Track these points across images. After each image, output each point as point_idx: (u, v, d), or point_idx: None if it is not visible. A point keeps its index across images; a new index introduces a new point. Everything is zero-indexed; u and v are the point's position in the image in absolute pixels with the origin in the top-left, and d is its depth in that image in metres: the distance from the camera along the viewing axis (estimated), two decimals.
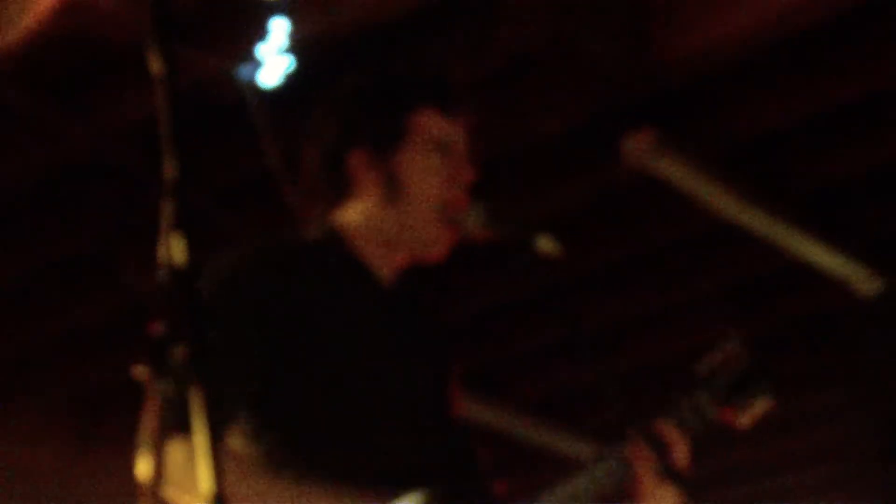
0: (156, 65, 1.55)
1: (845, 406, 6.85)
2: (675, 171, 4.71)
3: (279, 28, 3.77)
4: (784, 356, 6.38)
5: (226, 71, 3.87)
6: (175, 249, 1.46)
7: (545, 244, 2.25)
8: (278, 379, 2.20)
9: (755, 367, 2.38)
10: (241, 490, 2.08)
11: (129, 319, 5.57)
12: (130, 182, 4.65)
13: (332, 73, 2.77)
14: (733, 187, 4.91)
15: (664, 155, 4.60)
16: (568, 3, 4.11)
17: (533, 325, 6.06)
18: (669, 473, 2.22)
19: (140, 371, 1.44)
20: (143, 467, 2.08)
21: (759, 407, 2.37)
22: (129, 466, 2.11)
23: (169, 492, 2.07)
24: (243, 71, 3.84)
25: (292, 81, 3.85)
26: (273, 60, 3.81)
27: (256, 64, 3.82)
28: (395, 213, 2.34)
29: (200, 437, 1.41)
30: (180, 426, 1.42)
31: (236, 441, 2.20)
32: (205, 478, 1.39)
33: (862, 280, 5.57)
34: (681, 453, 2.27)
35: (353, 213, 2.37)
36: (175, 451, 2.01)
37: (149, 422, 2.05)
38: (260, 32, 3.79)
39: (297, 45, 3.81)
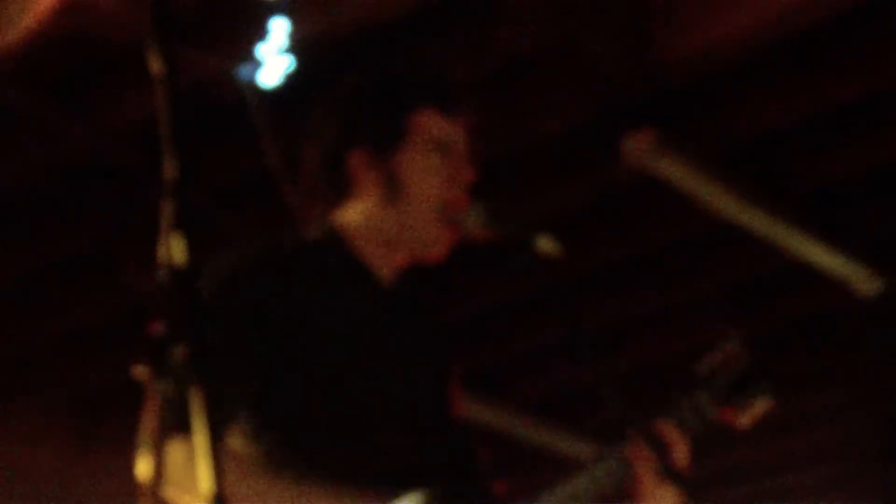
0: (156, 65, 1.55)
1: (845, 406, 6.85)
2: (676, 171, 4.70)
3: (279, 28, 3.77)
4: (784, 356, 6.38)
5: (226, 71, 3.87)
6: (175, 249, 1.45)
7: (545, 244, 2.25)
8: (278, 379, 2.20)
9: (755, 367, 2.38)
10: (241, 490, 2.08)
11: (129, 319, 5.57)
12: (130, 182, 4.65)
13: (331, 73, 2.77)
14: (733, 187, 4.91)
15: (664, 155, 4.60)
16: (568, 3, 4.11)
17: (533, 325, 6.06)
18: (669, 473, 2.22)
19: (140, 371, 1.44)
20: (143, 467, 2.09)
21: (760, 407, 2.37)
22: (128, 466, 2.11)
23: (169, 492, 2.07)
24: (243, 71, 3.84)
25: (292, 81, 3.85)
26: (273, 60, 3.81)
27: (256, 64, 3.82)
28: (395, 212, 2.33)
29: (200, 438, 1.41)
30: (180, 426, 1.42)
31: (236, 441, 2.20)
32: (205, 478, 1.39)
33: (862, 280, 5.56)
34: (681, 453, 2.27)
35: (353, 213, 2.37)
36: (175, 451, 2.01)
37: (149, 422, 2.05)
38: (260, 32, 3.79)
39: (298, 45, 3.81)
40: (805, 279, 5.69)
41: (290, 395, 2.20)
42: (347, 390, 2.22)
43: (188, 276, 1.44)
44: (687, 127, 4.71)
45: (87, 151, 4.54)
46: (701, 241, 5.55)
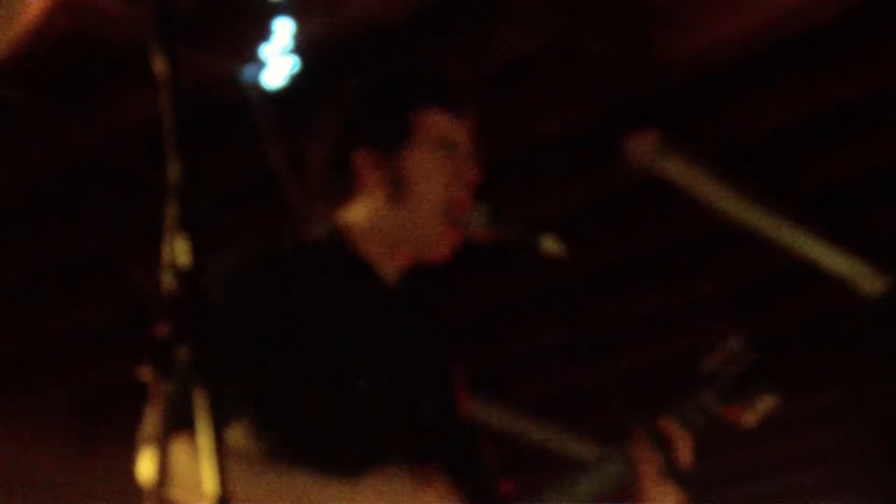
0: (158, 65, 1.55)
1: (845, 406, 6.85)
2: (677, 172, 4.71)
3: (283, 29, 3.76)
4: (784, 356, 6.38)
5: (227, 71, 3.87)
6: (179, 251, 1.45)
7: (549, 244, 2.25)
8: (280, 378, 2.20)
9: (756, 367, 2.38)
10: (243, 490, 2.08)
11: (129, 320, 5.57)
12: (130, 182, 4.65)
13: (332, 73, 2.77)
14: (734, 187, 4.91)
15: (667, 155, 4.60)
16: (568, 3, 4.11)
17: (533, 326, 6.06)
18: (672, 472, 2.22)
19: (144, 372, 1.44)
20: (145, 468, 2.09)
21: (765, 405, 2.37)
22: (129, 467, 2.11)
23: (173, 492, 2.07)
24: (246, 71, 3.84)
25: (296, 82, 3.85)
26: (277, 61, 3.80)
27: (260, 64, 3.82)
28: (400, 212, 2.33)
29: (204, 438, 1.41)
30: (184, 426, 1.42)
31: (238, 441, 2.20)
32: (208, 478, 1.39)
33: (863, 280, 5.57)
34: (684, 452, 2.27)
35: (357, 213, 2.37)
36: (178, 451, 2.01)
37: (152, 422, 2.05)
38: (263, 33, 3.78)
39: (301, 46, 3.81)
40: (805, 279, 5.69)
41: (291, 395, 2.20)
42: (349, 389, 2.22)
43: (192, 277, 1.44)
44: (687, 127, 4.71)
45: (87, 151, 4.54)
46: (702, 241, 5.55)
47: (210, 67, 3.89)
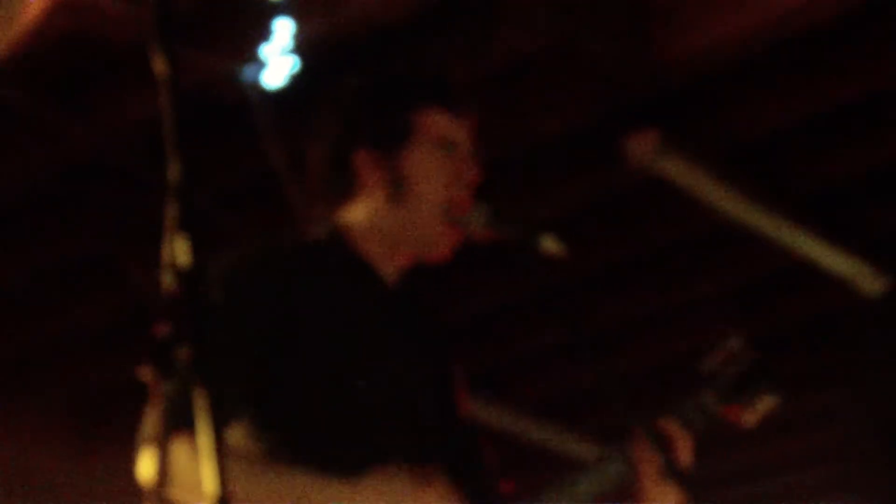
0: (158, 65, 1.55)
1: (845, 406, 6.85)
2: (677, 172, 4.71)
3: (283, 29, 3.76)
4: (784, 356, 6.38)
5: (227, 71, 3.87)
6: (179, 251, 1.45)
7: (550, 244, 2.25)
8: (280, 378, 2.20)
9: (756, 367, 2.38)
10: (243, 490, 2.08)
11: (129, 320, 5.58)
12: (130, 182, 4.65)
13: (332, 73, 2.77)
14: (734, 187, 4.91)
15: (667, 155, 4.60)
16: (568, 3, 4.11)
17: (533, 325, 6.06)
18: (672, 472, 2.22)
19: (144, 372, 1.44)
20: (145, 468, 2.09)
21: (765, 405, 2.37)
22: (130, 467, 2.11)
23: (173, 492, 2.07)
24: (246, 71, 3.84)
25: (296, 82, 3.85)
26: (277, 61, 3.81)
27: (260, 64, 3.82)
28: (400, 212, 2.33)
29: (204, 438, 1.41)
30: (184, 426, 1.42)
31: (238, 441, 2.20)
32: (208, 478, 1.39)
33: (865, 280, 5.57)
34: (684, 452, 2.27)
35: (358, 213, 2.37)
36: (178, 451, 2.01)
37: (152, 422, 2.05)
38: (263, 33, 3.79)
39: (301, 46, 3.81)
40: (805, 279, 5.70)
41: (291, 395, 2.20)
42: (349, 389, 2.22)
43: (192, 277, 1.44)
44: (687, 127, 4.71)
45: (87, 151, 4.54)
46: (702, 241, 5.55)
47: (210, 67, 3.89)
